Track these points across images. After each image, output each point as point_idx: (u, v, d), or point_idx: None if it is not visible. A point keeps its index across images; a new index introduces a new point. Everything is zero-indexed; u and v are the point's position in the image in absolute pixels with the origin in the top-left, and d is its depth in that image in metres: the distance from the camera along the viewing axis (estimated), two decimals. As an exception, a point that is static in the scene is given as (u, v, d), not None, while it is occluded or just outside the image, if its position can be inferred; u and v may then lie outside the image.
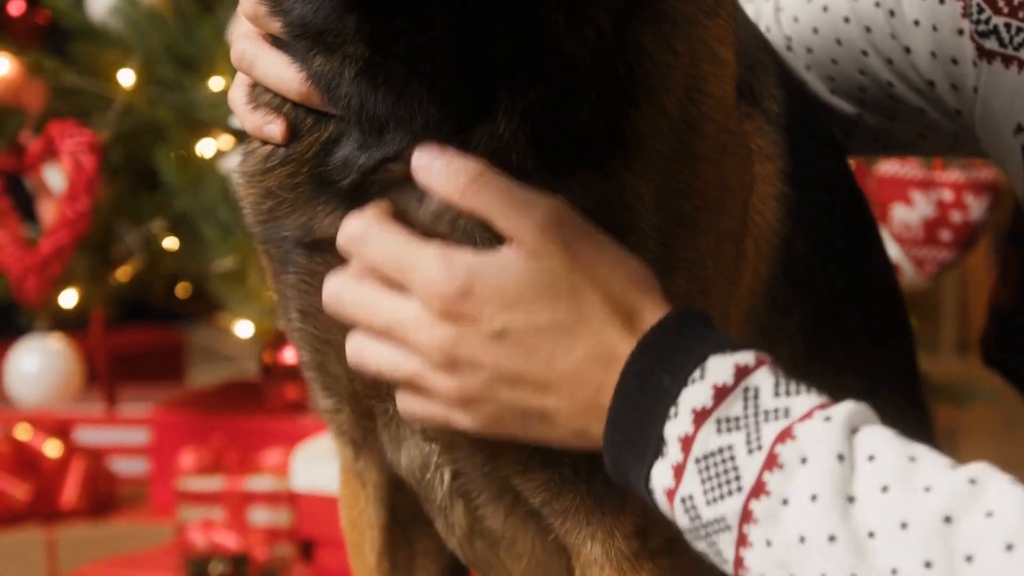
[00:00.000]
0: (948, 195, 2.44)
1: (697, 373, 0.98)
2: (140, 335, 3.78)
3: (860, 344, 1.33)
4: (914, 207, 2.45)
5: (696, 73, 1.10)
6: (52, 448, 2.88)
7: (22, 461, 2.86)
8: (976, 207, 2.44)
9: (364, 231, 1.05)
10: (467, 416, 1.05)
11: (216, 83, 2.64)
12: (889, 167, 2.47)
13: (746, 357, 0.99)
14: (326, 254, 1.11)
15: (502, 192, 1.02)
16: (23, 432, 2.88)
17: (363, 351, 1.08)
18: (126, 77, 2.68)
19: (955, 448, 3.14)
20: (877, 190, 2.46)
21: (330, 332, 1.15)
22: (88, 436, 3.02)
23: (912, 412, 1.41)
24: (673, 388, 0.98)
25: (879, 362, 1.36)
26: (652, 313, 1.02)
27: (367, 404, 1.17)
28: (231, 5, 2.63)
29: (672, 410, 0.98)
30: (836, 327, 1.30)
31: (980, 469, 0.92)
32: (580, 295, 1.01)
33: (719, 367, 0.98)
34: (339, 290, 1.08)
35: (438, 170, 1.03)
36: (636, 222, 1.05)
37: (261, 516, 2.56)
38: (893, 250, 2.44)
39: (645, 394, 0.99)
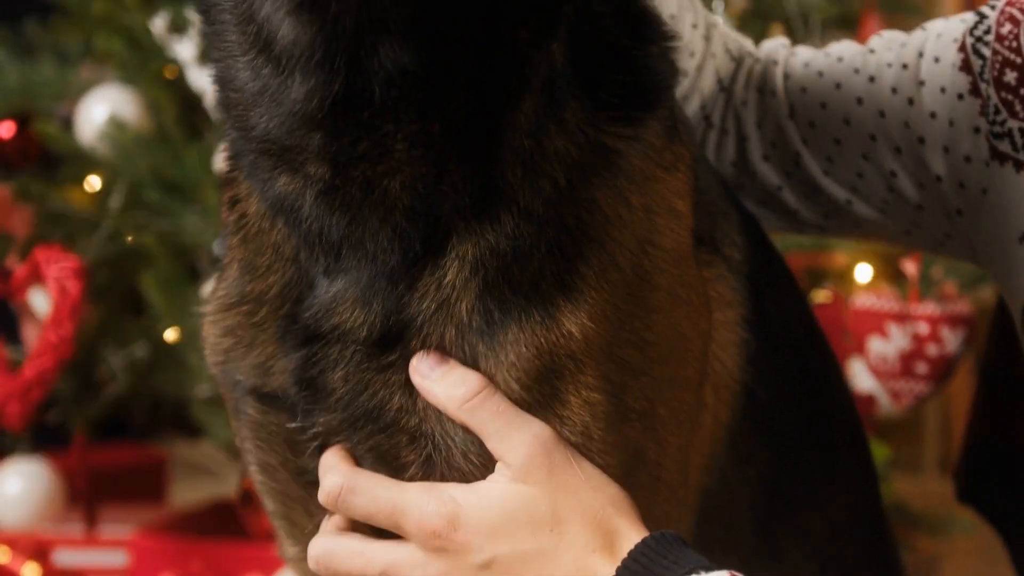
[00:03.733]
0: (924, 328, 2.46)
1: None
2: (121, 453, 3.76)
3: (823, 488, 1.33)
4: (890, 340, 2.47)
5: (651, 227, 1.11)
6: (30, 571, 2.85)
7: (0, 584, 2.84)
8: (952, 340, 2.46)
9: (350, 484, 1.07)
10: None
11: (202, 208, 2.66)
12: (866, 299, 2.50)
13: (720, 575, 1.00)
14: (279, 414, 1.13)
15: (498, 413, 1.04)
16: (1, 554, 2.86)
17: None
18: (113, 201, 2.70)
19: None
20: (853, 322, 2.48)
21: (291, 486, 1.16)
22: (67, 558, 2.99)
23: (877, 553, 1.42)
24: None
25: (843, 505, 1.36)
26: (630, 538, 1.03)
27: None
28: (218, 130, 2.66)
29: None
30: (798, 471, 1.30)
31: None
32: (563, 520, 1.03)
33: None
34: (328, 549, 1.10)
35: (436, 378, 1.05)
36: (581, 376, 1.07)
37: (238, 643, 2.55)
38: (870, 382, 2.45)
39: None
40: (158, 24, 2.71)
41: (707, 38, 1.45)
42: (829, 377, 1.40)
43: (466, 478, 1.06)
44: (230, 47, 1.07)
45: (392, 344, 1.07)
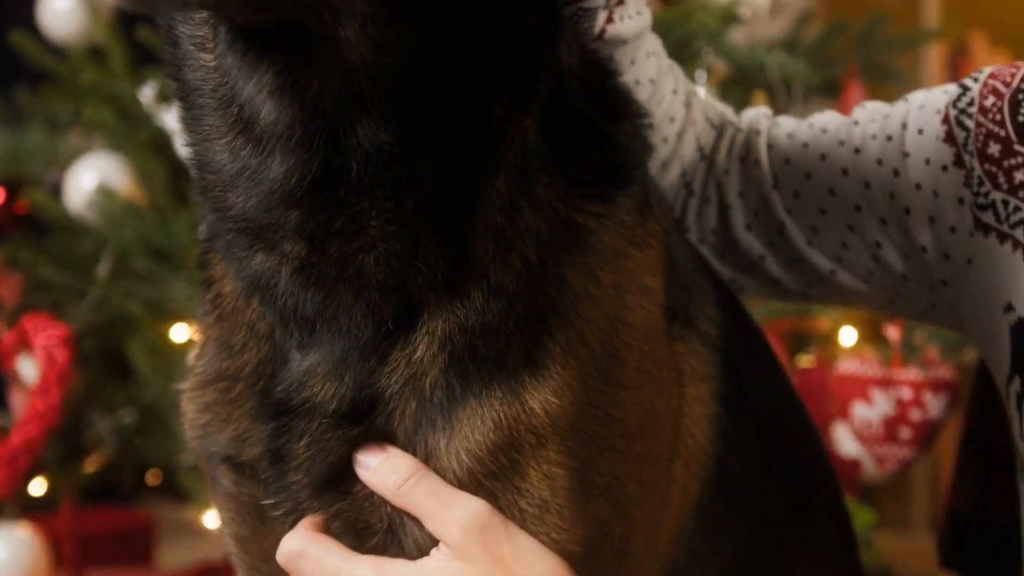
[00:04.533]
0: (907, 393, 2.47)
1: None
2: (109, 517, 3.75)
3: (801, 559, 1.34)
4: (874, 405, 2.47)
5: (621, 303, 1.12)
6: (17, 638, 2.84)
7: (-17, 650, 2.82)
8: (935, 405, 2.47)
9: (301, 549, 1.09)
10: None
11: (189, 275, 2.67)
12: (849, 365, 2.51)
13: None
14: (251, 484, 1.14)
15: (431, 493, 1.06)
16: (-13, 622, 2.84)
17: None
18: (101, 269, 2.71)
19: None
20: (837, 388, 2.49)
21: (259, 561, 1.17)
22: (52, 624, 2.97)
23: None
24: None
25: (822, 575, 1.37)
26: None
27: None
28: (206, 198, 2.67)
29: None
30: (775, 544, 1.31)
31: None
32: None
33: None
34: None
35: (374, 467, 1.07)
36: (542, 450, 1.08)
37: None
38: (854, 447, 2.46)
39: None
40: (146, 93, 2.72)
41: (688, 105, 1.46)
42: (808, 449, 1.41)
43: (423, 550, 1.08)
44: (208, 130, 1.08)
45: (360, 418, 1.08)
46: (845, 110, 2.71)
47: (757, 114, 1.51)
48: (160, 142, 2.75)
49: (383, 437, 1.08)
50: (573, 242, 1.10)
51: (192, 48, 1.08)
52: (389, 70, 1.01)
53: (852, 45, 2.92)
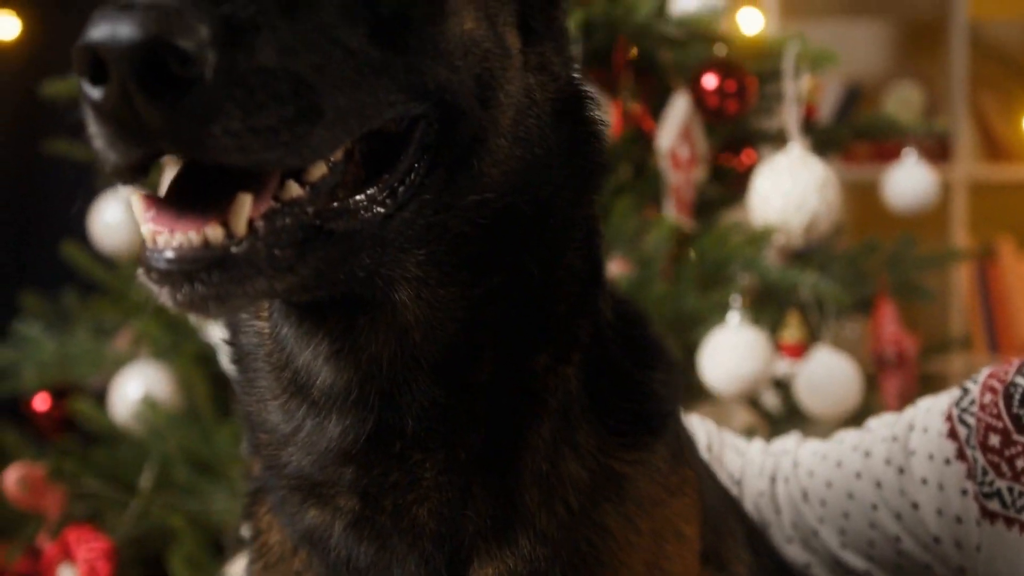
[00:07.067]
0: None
1: None
2: None
3: None
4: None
5: (659, 552, 1.16)
6: None
7: None
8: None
9: None
10: None
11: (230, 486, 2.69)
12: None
13: None
14: None
15: None
16: None
17: None
18: (144, 480, 2.72)
19: None
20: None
21: None
22: None
23: None
24: None
25: None
26: None
27: None
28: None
29: None
30: None
31: None
32: None
33: None
34: None
35: None
36: None
37: None
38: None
39: None
40: (194, 307, 2.76)
41: (707, 442, 1.61)
42: None
43: None
44: (261, 392, 1.13)
45: None
46: (877, 328, 2.75)
47: (785, 441, 1.64)
48: (205, 354, 2.78)
49: None
50: (612, 490, 1.15)
51: (247, 316, 1.13)
52: (442, 327, 1.06)
53: (883, 263, 2.96)
